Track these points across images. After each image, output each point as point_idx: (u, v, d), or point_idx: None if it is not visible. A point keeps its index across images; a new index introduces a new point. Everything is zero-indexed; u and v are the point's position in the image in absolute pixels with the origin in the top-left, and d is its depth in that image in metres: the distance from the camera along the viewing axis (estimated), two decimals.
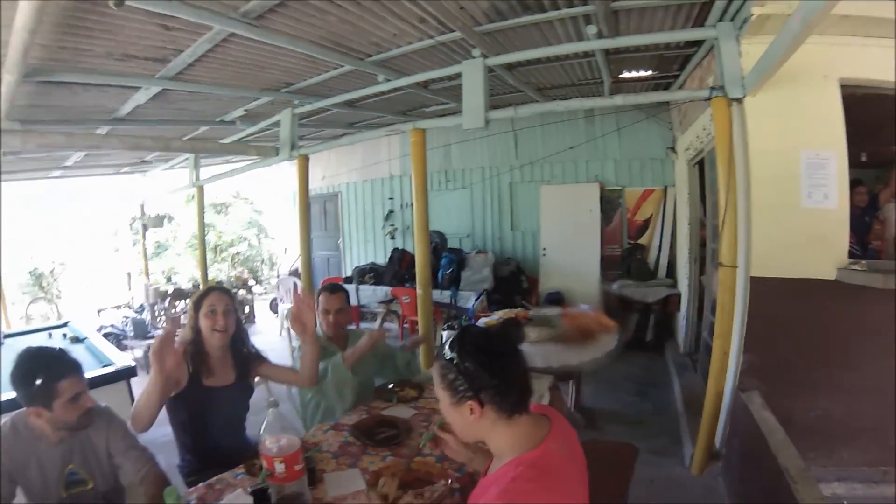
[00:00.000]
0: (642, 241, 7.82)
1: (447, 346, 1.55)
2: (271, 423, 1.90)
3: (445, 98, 6.23)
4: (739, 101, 3.64)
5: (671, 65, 5.41)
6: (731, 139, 3.64)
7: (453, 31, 3.93)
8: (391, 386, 3.18)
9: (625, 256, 7.83)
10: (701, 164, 5.59)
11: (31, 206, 14.66)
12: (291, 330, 2.63)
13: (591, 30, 3.95)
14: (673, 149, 7.27)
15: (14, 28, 2.70)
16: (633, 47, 4.50)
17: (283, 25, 3.61)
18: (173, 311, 9.53)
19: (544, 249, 8.25)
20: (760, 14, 3.27)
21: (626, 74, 5.65)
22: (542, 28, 4.05)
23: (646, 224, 7.81)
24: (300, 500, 1.91)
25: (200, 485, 2.14)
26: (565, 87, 6.28)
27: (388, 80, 5.13)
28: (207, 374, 2.67)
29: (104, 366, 4.20)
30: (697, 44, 4.55)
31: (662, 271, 7.58)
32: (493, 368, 1.48)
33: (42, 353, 2.20)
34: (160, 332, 2.25)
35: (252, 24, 3.46)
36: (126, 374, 4.09)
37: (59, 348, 2.22)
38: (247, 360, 2.86)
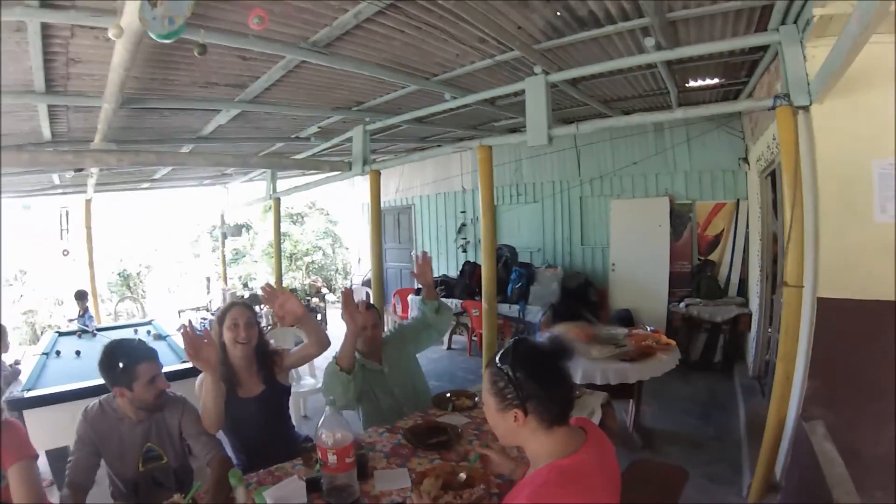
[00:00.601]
0: (713, 257, 7.48)
1: (499, 356, 1.63)
2: (328, 419, 2.08)
3: (513, 113, 6.30)
4: (806, 108, 3.40)
5: (739, 71, 5.23)
6: (798, 150, 3.39)
7: (513, 49, 4.00)
8: (448, 395, 3.30)
9: (694, 273, 7.50)
10: (773, 175, 5.21)
11: (122, 215, 15.86)
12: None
13: (650, 42, 3.86)
14: (745, 159, 6.94)
15: (111, 66, 3.12)
16: (695, 56, 4.32)
17: (350, 51, 3.84)
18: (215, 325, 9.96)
19: (613, 264, 8.12)
20: (822, 15, 2.97)
21: (692, 84, 5.48)
22: (601, 42, 4.05)
23: (717, 239, 7.46)
24: (349, 491, 2.08)
25: (261, 471, 2.38)
26: (631, 99, 6.22)
27: (455, 98, 5.22)
28: (238, 386, 2.86)
29: (183, 361, 4.55)
30: (764, 48, 4.35)
31: (733, 289, 7.21)
32: (540, 381, 1.56)
33: (124, 342, 2.61)
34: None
35: (321, 52, 3.71)
36: (189, 373, 4.37)
37: (139, 339, 2.53)
38: (271, 365, 3.01)
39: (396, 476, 2.32)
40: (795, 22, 3.48)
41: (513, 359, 1.59)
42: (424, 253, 3.57)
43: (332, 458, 2.02)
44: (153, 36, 2.23)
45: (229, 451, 2.91)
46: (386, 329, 3.74)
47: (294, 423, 3.38)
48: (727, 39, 4.00)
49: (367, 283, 10.77)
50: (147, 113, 4.80)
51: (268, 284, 2.92)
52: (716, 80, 5.47)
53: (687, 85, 5.52)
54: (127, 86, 3.57)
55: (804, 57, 3.43)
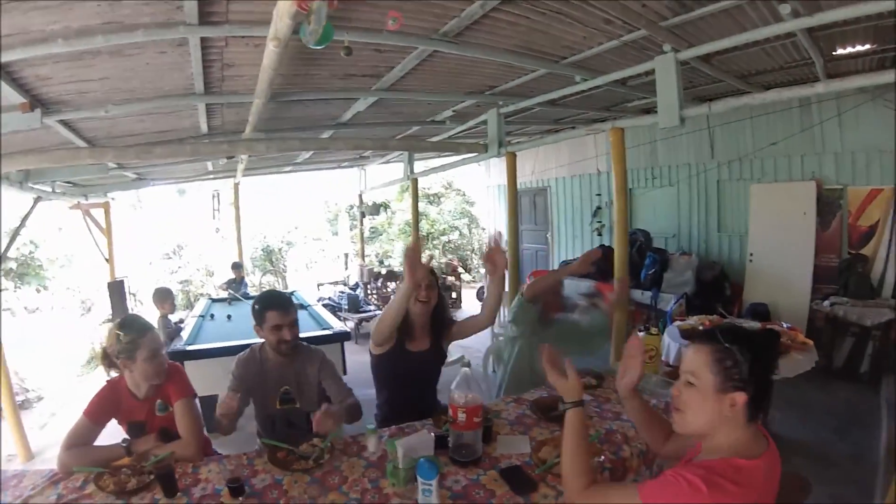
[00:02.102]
0: (865, 251, 6.57)
1: (721, 335, 1.57)
2: (461, 381, 2.28)
3: (645, 93, 6.14)
4: None
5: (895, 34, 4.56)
6: None
7: (639, 28, 3.95)
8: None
9: (842, 269, 6.66)
10: None
11: (266, 195, 17.30)
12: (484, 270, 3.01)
13: (785, 9, 3.54)
14: None
15: (262, 67, 3.54)
16: (840, 21, 3.82)
17: (480, 39, 4.00)
18: (385, 290, 10.51)
19: (751, 255, 7.51)
20: None
21: (840, 52, 4.92)
22: (732, 14, 3.82)
23: (871, 231, 6.53)
24: (472, 449, 2.29)
25: (393, 426, 2.66)
26: (771, 73, 5.76)
27: (585, 80, 5.20)
28: (410, 340, 3.10)
29: (323, 329, 5.14)
30: None
31: (888, 289, 6.32)
32: (765, 368, 1.55)
33: (267, 293, 3.23)
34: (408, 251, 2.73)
35: (451, 41, 3.91)
36: (342, 336, 5.12)
37: (282, 293, 2.96)
38: (441, 329, 3.25)
39: (517, 442, 2.48)
40: None
41: (742, 340, 1.55)
42: (499, 234, 3.45)
43: (461, 416, 2.22)
44: (312, 45, 2.54)
45: (374, 405, 3.25)
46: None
47: None
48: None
49: None
50: (291, 104, 5.24)
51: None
52: (867, 47, 4.85)
53: (834, 53, 4.99)
54: (274, 83, 3.96)
55: None
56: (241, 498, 2.08)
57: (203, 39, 3.42)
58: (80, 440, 2.50)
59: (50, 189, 7.64)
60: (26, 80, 3.79)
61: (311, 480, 2.21)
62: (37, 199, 7.47)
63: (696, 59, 4.68)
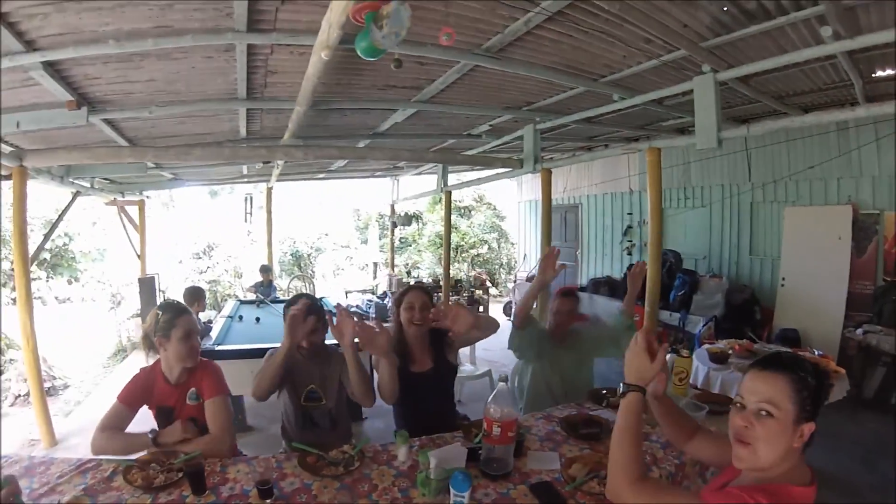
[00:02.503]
0: None
1: (796, 364, 1.52)
2: (498, 395, 2.29)
3: (681, 112, 6.11)
4: None
5: None
6: None
7: (679, 48, 3.95)
8: (604, 391, 3.41)
9: (878, 296, 6.43)
10: None
11: (296, 201, 17.51)
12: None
13: (826, 31, 3.51)
14: None
15: (306, 75, 3.63)
16: (881, 44, 3.76)
17: (521, 55, 4.04)
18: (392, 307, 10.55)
19: (783, 279, 7.32)
20: None
21: (879, 73, 4.81)
22: (772, 35, 3.81)
23: None
24: (504, 463, 2.30)
25: (424, 437, 2.67)
26: (809, 94, 5.68)
27: (623, 99, 5.20)
28: (411, 363, 3.15)
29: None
30: None
31: None
32: (823, 399, 1.50)
33: (298, 296, 3.24)
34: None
35: (494, 56, 3.97)
36: None
37: (309, 297, 3.12)
38: (442, 345, 3.27)
39: (548, 458, 2.49)
40: None
41: (807, 369, 1.51)
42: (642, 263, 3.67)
43: (496, 430, 2.23)
44: (361, 53, 2.52)
45: (394, 420, 3.29)
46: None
47: None
48: None
49: (531, 279, 10.95)
50: (329, 112, 5.32)
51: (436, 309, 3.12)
52: None
53: (874, 76, 4.89)
54: (317, 91, 4.03)
55: None
56: (269, 500, 2.11)
57: (249, 46, 3.52)
58: (113, 423, 2.61)
59: (89, 185, 7.81)
60: (74, 79, 3.91)
61: (340, 486, 2.23)
62: (76, 194, 7.66)
63: (734, 79, 4.61)
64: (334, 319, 2.84)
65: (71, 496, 2.14)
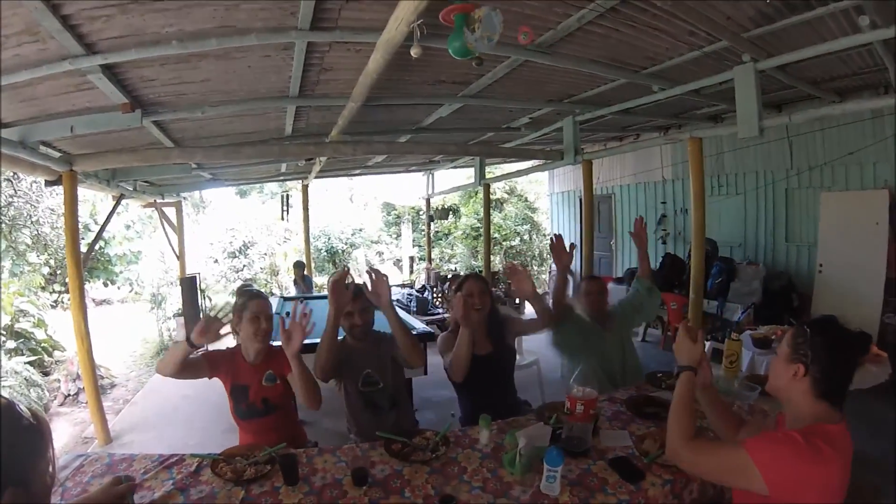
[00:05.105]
0: None
1: (809, 321, 1.89)
2: (579, 376, 2.46)
3: (715, 100, 6.17)
4: None
5: None
6: None
7: (721, 39, 4.00)
8: (659, 374, 3.48)
9: None
10: None
11: (324, 197, 17.72)
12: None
13: (864, 21, 3.58)
14: None
15: (365, 71, 3.74)
16: None
17: (570, 50, 4.13)
18: (451, 293, 10.66)
19: (821, 265, 7.18)
20: None
21: None
22: (812, 24, 3.86)
23: None
24: (583, 440, 2.41)
25: (499, 420, 2.76)
26: (845, 79, 5.69)
27: (663, 90, 5.25)
28: (474, 346, 3.20)
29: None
30: None
31: None
32: (831, 355, 1.79)
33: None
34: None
35: (544, 52, 4.06)
36: (425, 336, 5.13)
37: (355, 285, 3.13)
38: (501, 329, 3.41)
39: (619, 436, 2.62)
40: None
41: (819, 327, 1.84)
42: (639, 219, 3.85)
43: (579, 408, 2.37)
44: (453, 53, 2.65)
45: (458, 403, 3.45)
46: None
47: None
48: None
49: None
50: (375, 108, 5.39)
51: (510, 262, 3.29)
52: None
53: None
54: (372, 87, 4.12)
55: None
56: (364, 487, 2.20)
57: (309, 44, 3.60)
58: (187, 362, 2.72)
59: (132, 188, 7.98)
60: (130, 82, 4.00)
61: (430, 471, 2.33)
62: (120, 197, 7.83)
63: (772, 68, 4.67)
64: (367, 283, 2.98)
65: (162, 492, 2.21)
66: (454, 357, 3.05)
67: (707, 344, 6.52)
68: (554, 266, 12.36)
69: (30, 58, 3.27)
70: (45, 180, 5.45)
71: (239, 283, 12.83)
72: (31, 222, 11.29)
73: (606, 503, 2.08)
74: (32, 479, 1.32)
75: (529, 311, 9.93)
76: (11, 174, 10.28)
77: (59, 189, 5.24)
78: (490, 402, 3.14)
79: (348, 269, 3.13)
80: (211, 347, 2.85)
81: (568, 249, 3.51)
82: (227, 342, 3.04)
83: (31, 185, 10.97)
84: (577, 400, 2.37)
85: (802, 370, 1.77)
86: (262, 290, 4.51)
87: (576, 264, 11.59)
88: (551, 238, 3.62)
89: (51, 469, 1.39)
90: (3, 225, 10.69)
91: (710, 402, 2.26)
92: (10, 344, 7.05)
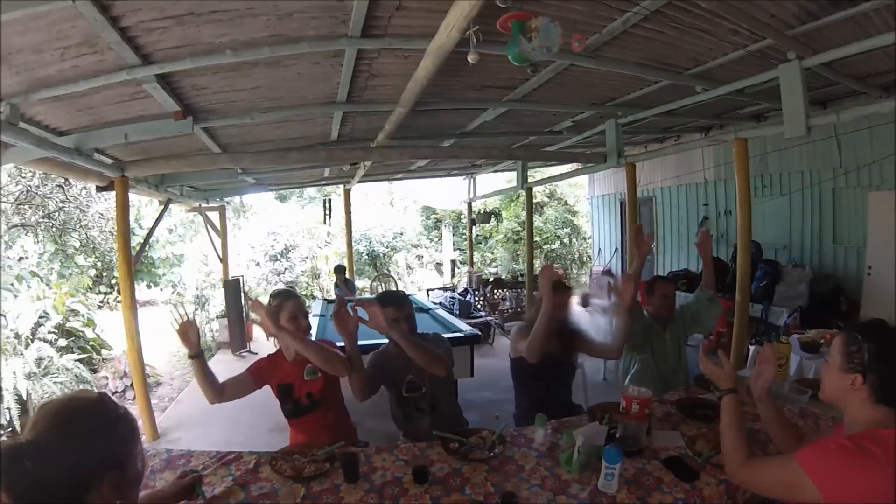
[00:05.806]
0: None
1: (858, 326, 1.82)
2: (636, 375, 2.55)
3: (759, 99, 6.08)
4: None
5: None
6: None
7: (765, 38, 3.97)
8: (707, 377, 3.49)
9: None
10: None
11: (363, 201, 17.86)
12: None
13: None
14: None
15: (414, 77, 3.82)
16: None
17: (615, 53, 4.16)
18: (493, 296, 10.72)
19: (870, 268, 6.98)
20: None
21: None
22: (857, 20, 3.78)
23: None
24: (637, 439, 2.46)
25: (554, 421, 2.79)
26: (890, 74, 5.44)
27: (706, 90, 5.20)
28: None
29: (452, 332, 5.45)
30: None
31: None
32: (889, 361, 1.71)
33: (383, 292, 3.58)
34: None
35: (589, 55, 4.09)
36: (473, 339, 5.26)
37: (392, 290, 3.22)
38: (570, 337, 3.45)
39: (671, 436, 2.64)
40: None
41: (871, 332, 1.76)
42: (706, 229, 3.95)
43: (635, 407, 2.42)
44: (512, 60, 2.71)
45: (515, 399, 3.56)
46: None
47: None
48: None
49: (607, 273, 11.02)
50: (420, 113, 5.43)
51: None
52: None
53: None
54: (421, 92, 4.19)
55: None
56: (425, 485, 2.24)
57: (358, 51, 3.69)
58: (234, 383, 2.95)
59: (178, 192, 8.18)
60: (182, 90, 4.14)
61: (489, 469, 2.37)
62: (168, 201, 8.03)
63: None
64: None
65: (223, 488, 2.25)
66: (530, 342, 3.05)
67: (751, 349, 6.45)
68: (595, 269, 12.39)
69: (88, 69, 3.41)
70: (97, 186, 5.66)
71: (280, 286, 13.00)
72: (81, 226, 11.68)
73: (663, 502, 2.10)
74: (128, 465, 1.40)
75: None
76: (63, 180, 10.67)
77: (108, 194, 5.37)
78: (548, 402, 3.20)
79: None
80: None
81: (647, 239, 3.65)
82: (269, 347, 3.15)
83: (81, 191, 11.36)
84: (633, 399, 2.42)
85: (860, 380, 1.72)
86: (299, 293, 4.60)
87: (615, 266, 11.64)
88: (637, 225, 3.84)
89: (142, 457, 1.47)
90: (54, 229, 11.07)
91: (770, 412, 2.23)
92: (62, 342, 7.23)
